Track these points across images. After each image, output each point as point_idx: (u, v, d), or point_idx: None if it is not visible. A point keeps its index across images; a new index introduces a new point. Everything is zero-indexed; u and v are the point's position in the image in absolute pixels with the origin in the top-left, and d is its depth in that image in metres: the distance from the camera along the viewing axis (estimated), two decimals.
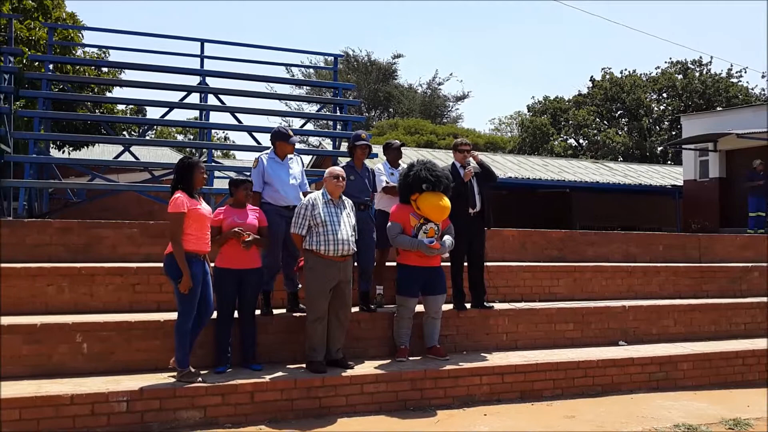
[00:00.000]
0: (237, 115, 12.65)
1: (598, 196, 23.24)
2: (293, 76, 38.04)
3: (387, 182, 7.43)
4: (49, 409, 5.15)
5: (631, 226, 18.98)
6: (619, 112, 39.24)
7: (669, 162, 34.04)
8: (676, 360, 7.53)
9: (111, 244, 7.55)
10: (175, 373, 5.76)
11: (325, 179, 6.44)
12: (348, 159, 7.53)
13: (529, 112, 43.07)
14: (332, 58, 15.17)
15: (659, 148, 35.88)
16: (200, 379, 5.69)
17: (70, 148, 16.36)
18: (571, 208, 23.36)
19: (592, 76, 40.07)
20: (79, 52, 15.21)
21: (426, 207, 6.78)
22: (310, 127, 17.28)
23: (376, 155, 12.18)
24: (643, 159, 34.32)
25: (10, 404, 5.06)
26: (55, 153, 14.60)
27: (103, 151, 21.85)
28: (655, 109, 38.54)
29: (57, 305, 6.54)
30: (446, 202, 6.85)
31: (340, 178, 6.39)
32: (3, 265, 6.61)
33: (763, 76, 36.94)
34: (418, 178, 6.77)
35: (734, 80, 37.13)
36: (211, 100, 12.65)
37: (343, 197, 6.51)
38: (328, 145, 18.41)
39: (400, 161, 7.77)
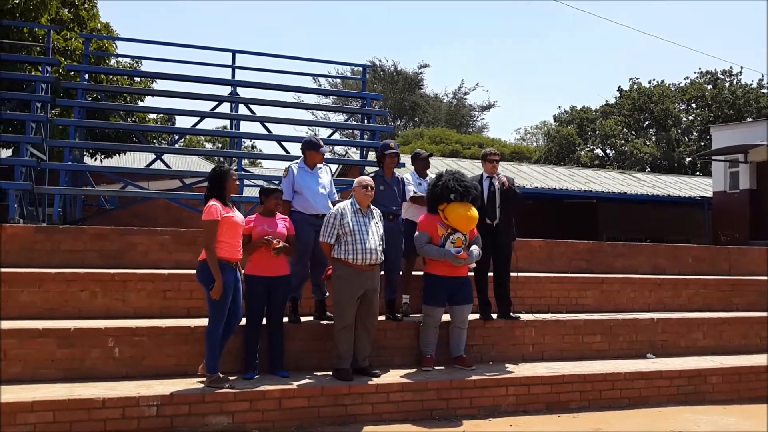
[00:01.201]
0: (266, 124, 12.80)
1: (625, 207, 23.03)
2: (320, 85, 38.37)
3: (415, 192, 7.46)
4: (81, 412, 5.26)
5: (658, 238, 18.82)
6: (647, 123, 38.88)
7: (698, 173, 33.62)
8: (705, 373, 7.46)
9: (143, 251, 7.70)
10: (204, 379, 5.85)
11: (354, 189, 6.51)
12: (376, 168, 7.58)
13: (555, 121, 42.87)
14: (360, 68, 15.30)
15: (688, 159, 35.48)
16: (229, 384, 5.76)
17: (102, 156, 16.64)
18: (598, 218, 23.20)
19: (619, 86, 39.80)
20: (113, 62, 15.51)
21: (453, 217, 6.81)
22: (336, 136, 17.43)
23: (403, 165, 12.28)
24: (672, 170, 33.94)
25: (44, 406, 5.18)
26: (87, 161, 14.87)
27: (133, 159, 22.17)
28: (684, 119, 38.13)
29: (90, 310, 6.67)
30: (474, 212, 6.88)
31: (369, 188, 6.46)
32: (35, 270, 6.80)
33: None
34: (447, 188, 6.81)
35: (765, 91, 36.60)
36: (242, 109, 12.82)
37: (372, 207, 6.57)
38: (354, 154, 18.54)
39: (427, 171, 7.80)
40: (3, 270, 6.65)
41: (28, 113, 11.01)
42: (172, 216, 15.83)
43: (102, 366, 5.98)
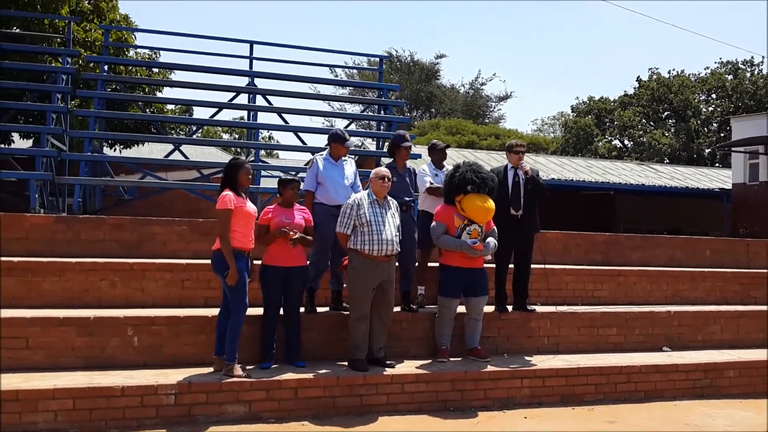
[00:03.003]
0: (283, 115, 12.84)
1: (642, 198, 22.88)
2: (336, 76, 38.36)
3: (431, 183, 7.47)
4: (101, 399, 5.35)
5: (676, 230, 18.69)
6: (666, 113, 38.52)
7: (717, 165, 33.31)
8: (722, 367, 7.42)
9: (161, 241, 7.77)
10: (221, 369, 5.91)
11: (371, 179, 6.52)
12: (389, 160, 7.59)
13: (573, 112, 42.59)
14: (376, 59, 15.28)
15: (707, 151, 35.13)
16: (245, 374, 5.81)
17: (121, 147, 16.78)
18: (615, 210, 23.07)
19: (638, 77, 39.46)
20: (132, 53, 15.60)
21: (470, 208, 6.81)
22: (352, 127, 17.44)
23: (419, 156, 12.28)
24: (691, 161, 33.64)
25: (65, 394, 5.27)
26: (106, 151, 14.99)
27: (151, 150, 22.33)
28: (704, 110, 37.73)
29: (109, 299, 6.76)
30: (491, 204, 6.88)
31: (386, 179, 6.46)
32: (56, 259, 6.91)
33: None
34: (464, 180, 6.81)
35: None
36: (259, 100, 12.86)
37: (389, 198, 6.59)
38: (370, 145, 18.54)
39: (444, 162, 7.80)
40: (24, 259, 6.76)
41: (49, 104, 11.12)
42: (190, 206, 15.94)
43: (121, 354, 6.07)
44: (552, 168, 22.01)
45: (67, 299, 6.64)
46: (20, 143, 14.63)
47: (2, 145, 13.28)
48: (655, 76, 38.58)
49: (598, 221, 20.24)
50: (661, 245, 10.18)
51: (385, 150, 12.84)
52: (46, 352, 5.88)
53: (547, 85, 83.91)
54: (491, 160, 19.36)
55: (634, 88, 39.56)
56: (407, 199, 7.21)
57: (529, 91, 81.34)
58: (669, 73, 38.57)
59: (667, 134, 36.82)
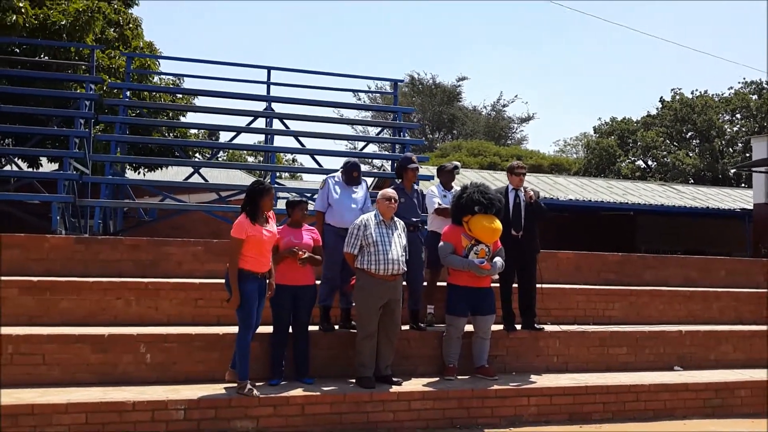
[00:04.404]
0: (300, 138, 13.09)
1: (664, 219, 22.70)
2: (359, 100, 38.69)
3: (439, 204, 7.59)
4: (113, 414, 5.51)
5: (698, 251, 18.52)
6: (689, 134, 38.24)
7: (743, 185, 32.91)
8: (734, 387, 7.38)
9: (177, 261, 7.98)
10: (230, 383, 6.05)
11: (378, 200, 6.67)
12: (398, 181, 7.74)
13: (595, 133, 42.46)
14: (400, 82, 15.51)
15: (732, 171, 34.76)
16: (256, 392, 5.93)
17: (146, 170, 17.16)
18: (636, 231, 22.91)
19: (661, 97, 39.28)
20: (156, 79, 16.01)
21: (477, 229, 6.92)
22: (373, 148, 17.67)
23: (432, 177, 12.39)
24: (715, 182, 33.31)
25: (78, 408, 5.45)
26: (131, 174, 15.34)
27: (176, 173, 22.72)
28: (728, 130, 37.39)
29: (124, 317, 6.96)
30: (498, 224, 6.98)
31: (392, 200, 6.61)
32: (74, 279, 7.14)
33: None
34: (471, 200, 6.93)
35: None
36: (276, 124, 13.13)
37: (395, 218, 6.73)
38: (390, 167, 18.74)
39: (453, 183, 7.92)
40: (44, 279, 7.00)
41: (72, 129, 11.47)
42: (211, 228, 16.19)
43: (134, 371, 6.24)
44: (572, 189, 21.97)
45: (84, 317, 6.85)
46: (48, 167, 15.04)
47: (30, 169, 13.70)
48: (678, 97, 38.37)
49: (617, 242, 20.10)
50: (675, 265, 10.15)
51: None
52: (62, 368, 6.07)
53: (570, 107, 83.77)
54: None
55: (657, 108, 39.40)
56: (414, 219, 7.33)
57: (551, 113, 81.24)
58: (692, 93, 38.38)
59: (691, 155, 36.53)
